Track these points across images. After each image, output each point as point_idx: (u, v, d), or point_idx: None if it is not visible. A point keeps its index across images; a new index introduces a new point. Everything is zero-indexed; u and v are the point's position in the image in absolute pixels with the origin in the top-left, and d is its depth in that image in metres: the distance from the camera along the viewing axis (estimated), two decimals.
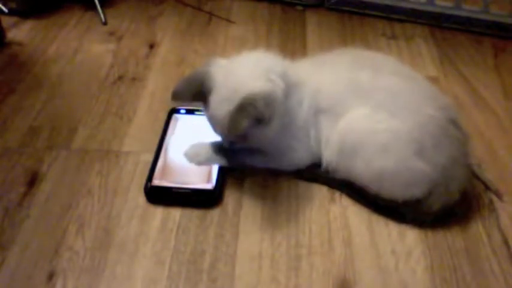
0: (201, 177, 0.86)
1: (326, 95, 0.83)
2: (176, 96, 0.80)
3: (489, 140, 0.97)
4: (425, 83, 0.85)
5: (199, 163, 0.88)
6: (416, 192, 0.79)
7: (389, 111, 0.78)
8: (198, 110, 0.97)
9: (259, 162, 0.88)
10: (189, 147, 0.90)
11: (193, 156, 0.89)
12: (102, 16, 1.32)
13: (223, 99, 0.77)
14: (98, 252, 0.78)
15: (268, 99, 0.76)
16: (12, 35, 1.26)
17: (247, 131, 0.75)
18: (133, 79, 1.12)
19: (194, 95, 0.80)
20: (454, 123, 0.80)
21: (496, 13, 1.26)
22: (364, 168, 0.80)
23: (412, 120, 0.78)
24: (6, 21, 1.28)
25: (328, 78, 0.84)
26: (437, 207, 0.79)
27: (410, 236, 0.80)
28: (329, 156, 0.84)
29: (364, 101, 0.80)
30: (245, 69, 0.80)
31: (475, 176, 0.89)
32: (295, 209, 0.84)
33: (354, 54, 0.90)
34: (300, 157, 0.87)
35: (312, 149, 0.86)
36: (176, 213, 0.83)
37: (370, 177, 0.81)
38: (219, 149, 0.88)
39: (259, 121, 0.76)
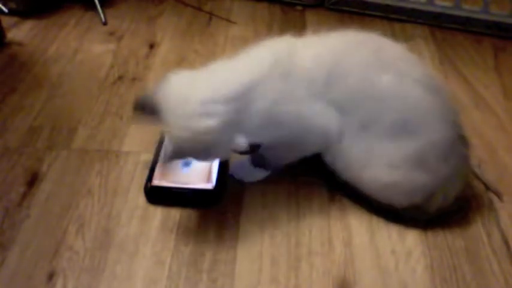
0: (201, 177, 0.86)
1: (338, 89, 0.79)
2: (136, 107, 0.79)
3: (489, 140, 0.97)
4: (441, 89, 0.81)
5: (248, 180, 0.89)
6: (416, 199, 0.79)
7: (405, 129, 0.77)
8: None
9: (284, 157, 0.86)
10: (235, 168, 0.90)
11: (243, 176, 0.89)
12: (102, 16, 1.32)
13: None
14: (98, 252, 0.78)
15: (201, 135, 0.73)
16: (12, 35, 1.26)
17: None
18: (133, 79, 1.12)
19: (150, 111, 0.77)
20: (462, 139, 0.80)
21: (496, 13, 1.27)
22: (370, 180, 0.80)
23: (423, 140, 0.77)
24: (6, 21, 1.28)
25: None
26: (434, 209, 0.80)
27: (410, 236, 0.80)
28: (335, 164, 0.82)
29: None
30: (191, 95, 0.75)
31: (475, 176, 0.89)
32: (295, 209, 0.84)
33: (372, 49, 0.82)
34: (316, 136, 0.82)
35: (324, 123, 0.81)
36: (176, 213, 0.83)
37: (375, 188, 0.81)
38: (256, 162, 0.89)
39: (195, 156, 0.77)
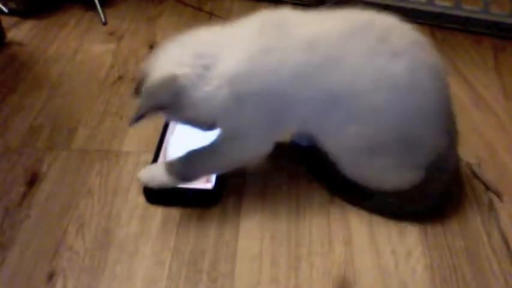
0: None
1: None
2: (135, 92, 0.79)
3: (489, 140, 0.97)
4: (445, 79, 0.79)
5: (155, 186, 0.81)
6: (415, 180, 0.79)
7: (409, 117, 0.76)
8: None
9: (212, 166, 0.82)
10: (144, 171, 0.83)
11: (148, 180, 0.81)
12: (102, 16, 1.32)
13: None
14: (98, 252, 0.78)
15: (164, 85, 0.72)
16: (12, 35, 1.26)
17: (165, 114, 0.77)
18: (134, 79, 1.12)
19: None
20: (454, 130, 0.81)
21: (496, 13, 1.26)
22: (370, 174, 0.81)
23: (424, 128, 0.77)
24: (6, 21, 1.28)
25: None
26: (434, 191, 0.80)
27: (410, 236, 0.80)
28: (333, 153, 0.81)
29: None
30: (160, 58, 0.77)
31: (475, 176, 0.89)
32: (295, 209, 0.84)
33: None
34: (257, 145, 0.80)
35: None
36: (176, 213, 0.83)
37: (375, 183, 0.82)
38: (171, 168, 0.81)
39: (162, 108, 0.74)
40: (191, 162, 0.81)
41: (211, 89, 0.73)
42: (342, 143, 0.79)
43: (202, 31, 0.78)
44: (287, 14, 0.79)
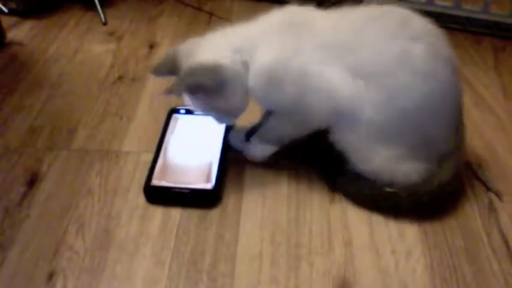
0: (201, 177, 0.86)
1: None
2: (154, 71, 0.84)
3: (489, 140, 0.97)
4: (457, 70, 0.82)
5: (259, 158, 0.90)
6: (426, 172, 0.80)
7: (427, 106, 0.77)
8: None
9: (287, 130, 0.85)
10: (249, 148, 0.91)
11: (253, 156, 0.90)
12: (102, 16, 1.32)
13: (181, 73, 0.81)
14: (98, 252, 0.78)
15: (211, 70, 0.78)
16: (12, 35, 1.26)
17: (197, 99, 0.81)
18: (133, 79, 1.12)
19: (169, 70, 0.83)
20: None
21: (496, 13, 1.27)
22: (382, 166, 0.80)
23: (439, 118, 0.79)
24: (6, 21, 1.28)
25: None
26: (436, 185, 0.80)
27: (410, 236, 0.80)
28: (345, 143, 0.81)
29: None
30: (204, 46, 0.82)
31: (475, 176, 0.89)
32: (295, 209, 0.84)
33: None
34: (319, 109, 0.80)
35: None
36: (176, 213, 0.83)
37: (387, 175, 0.81)
38: (263, 138, 0.89)
39: (206, 91, 0.78)
40: (272, 130, 0.87)
41: (249, 83, 0.80)
42: (357, 130, 0.78)
43: (241, 26, 0.83)
44: (311, 11, 0.83)
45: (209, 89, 0.78)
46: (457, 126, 0.82)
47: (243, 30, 0.83)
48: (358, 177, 0.83)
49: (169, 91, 0.78)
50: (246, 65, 0.80)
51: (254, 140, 0.90)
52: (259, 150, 0.90)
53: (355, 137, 0.79)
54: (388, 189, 0.81)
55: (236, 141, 0.92)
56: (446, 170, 0.81)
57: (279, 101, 0.81)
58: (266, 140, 0.89)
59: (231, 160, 0.92)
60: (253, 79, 0.80)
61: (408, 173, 0.80)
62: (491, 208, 0.85)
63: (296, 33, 0.79)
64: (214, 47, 0.81)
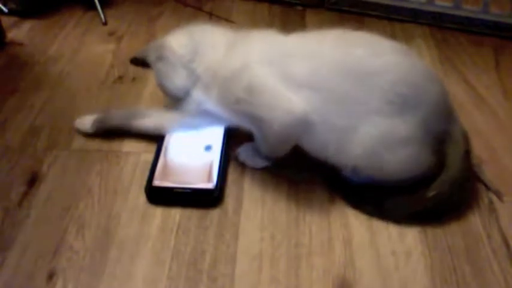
0: (202, 177, 0.86)
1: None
2: (133, 61, 0.99)
3: (489, 140, 0.97)
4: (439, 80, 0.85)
5: (251, 165, 0.91)
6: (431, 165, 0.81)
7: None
8: None
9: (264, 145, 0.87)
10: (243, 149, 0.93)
11: (245, 159, 0.92)
12: (102, 16, 1.32)
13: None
14: (98, 252, 0.78)
15: (156, 46, 0.92)
16: (12, 35, 1.26)
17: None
18: (134, 79, 1.12)
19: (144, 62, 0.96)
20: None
21: (496, 13, 1.26)
22: (392, 167, 0.80)
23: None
24: (6, 21, 1.28)
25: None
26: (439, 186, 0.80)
27: (410, 236, 0.80)
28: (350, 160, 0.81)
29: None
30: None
31: (475, 176, 0.89)
32: (295, 209, 0.84)
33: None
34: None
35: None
36: (176, 213, 0.83)
37: (398, 173, 0.81)
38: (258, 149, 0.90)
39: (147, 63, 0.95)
40: (259, 145, 0.88)
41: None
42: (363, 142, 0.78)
43: (273, 35, 0.87)
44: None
45: (149, 62, 0.93)
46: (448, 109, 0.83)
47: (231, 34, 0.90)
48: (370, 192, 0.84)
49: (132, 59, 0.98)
50: (196, 55, 0.87)
51: (252, 150, 0.91)
52: (259, 161, 0.91)
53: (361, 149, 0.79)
54: (428, 194, 0.80)
55: (247, 156, 0.92)
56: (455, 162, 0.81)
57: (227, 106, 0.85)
58: (259, 153, 0.89)
59: (231, 160, 0.92)
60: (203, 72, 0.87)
61: (416, 168, 0.80)
62: (491, 208, 0.85)
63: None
64: (254, 50, 0.83)
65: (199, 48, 0.88)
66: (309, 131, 0.79)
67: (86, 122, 0.96)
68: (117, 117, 0.96)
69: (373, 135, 0.77)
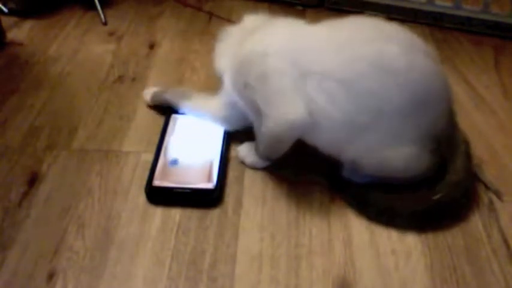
0: (202, 176, 0.86)
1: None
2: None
3: (489, 140, 0.97)
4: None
5: (249, 164, 0.91)
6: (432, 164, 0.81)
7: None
8: None
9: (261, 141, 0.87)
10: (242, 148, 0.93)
11: (244, 156, 0.92)
12: (102, 16, 1.32)
13: None
14: (98, 252, 0.78)
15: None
16: (12, 35, 1.26)
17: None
18: (134, 79, 1.12)
19: None
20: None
21: (496, 13, 1.27)
22: (394, 164, 0.80)
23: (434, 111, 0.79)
24: (6, 21, 1.28)
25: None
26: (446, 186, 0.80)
27: (410, 236, 0.80)
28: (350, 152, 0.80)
29: None
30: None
31: (475, 176, 0.89)
32: (295, 209, 0.84)
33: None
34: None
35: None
36: (176, 213, 0.83)
37: (400, 171, 0.81)
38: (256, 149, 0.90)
39: None
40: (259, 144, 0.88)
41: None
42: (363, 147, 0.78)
43: (298, 25, 0.85)
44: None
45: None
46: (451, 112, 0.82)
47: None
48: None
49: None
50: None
51: (252, 150, 0.91)
52: (259, 161, 0.91)
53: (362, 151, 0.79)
54: (434, 196, 0.80)
55: (247, 155, 0.91)
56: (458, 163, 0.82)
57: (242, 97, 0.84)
58: (259, 153, 0.89)
59: (231, 160, 0.92)
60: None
61: (418, 166, 0.80)
62: (491, 208, 0.85)
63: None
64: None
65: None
66: (318, 128, 0.77)
67: (148, 93, 1.03)
68: (170, 93, 0.99)
69: (385, 132, 0.77)
